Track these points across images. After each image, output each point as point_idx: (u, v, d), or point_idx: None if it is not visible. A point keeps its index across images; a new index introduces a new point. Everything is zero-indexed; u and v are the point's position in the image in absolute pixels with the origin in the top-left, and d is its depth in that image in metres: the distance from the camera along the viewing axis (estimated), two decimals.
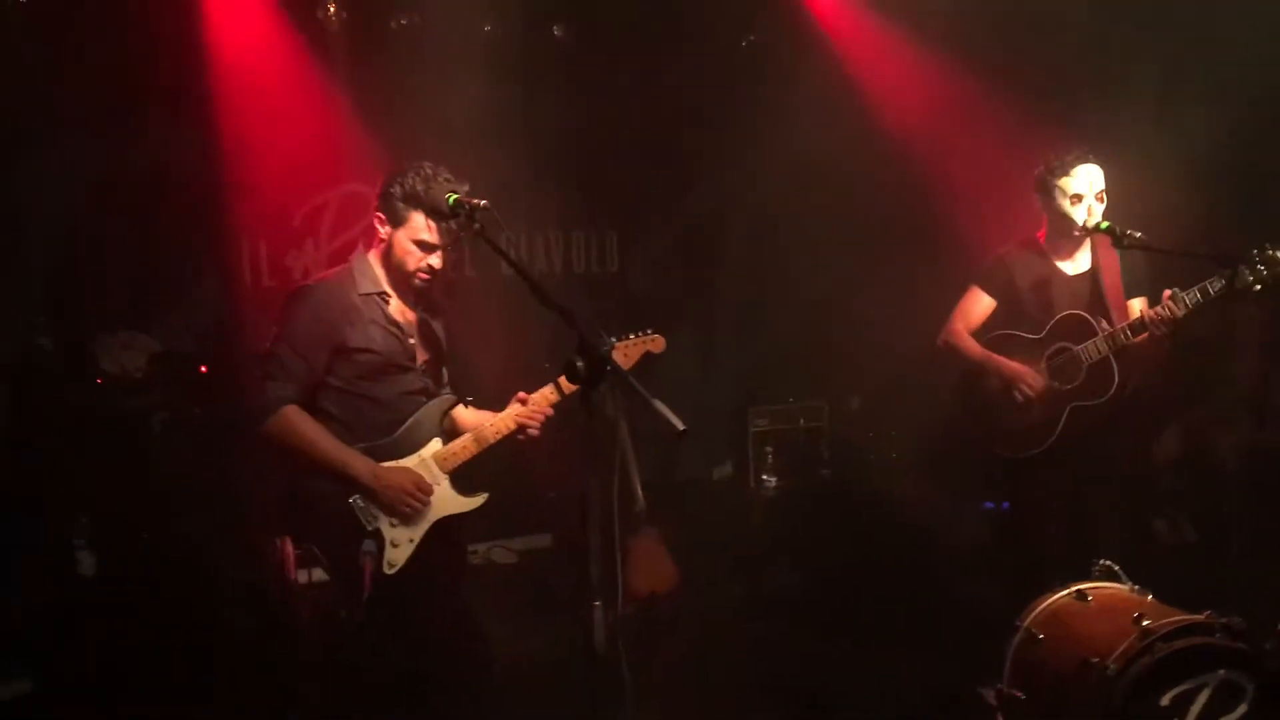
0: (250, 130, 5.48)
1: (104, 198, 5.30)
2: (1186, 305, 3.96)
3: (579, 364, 2.54)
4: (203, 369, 5.31)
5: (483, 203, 3.19)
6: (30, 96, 5.13)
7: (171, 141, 5.43)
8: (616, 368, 2.56)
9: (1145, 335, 4.05)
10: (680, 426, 2.43)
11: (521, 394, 3.66)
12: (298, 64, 5.65)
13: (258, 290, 5.89)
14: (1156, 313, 4.00)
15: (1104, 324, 4.19)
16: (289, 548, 4.88)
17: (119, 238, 5.36)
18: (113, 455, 4.90)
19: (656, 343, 3.80)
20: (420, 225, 3.44)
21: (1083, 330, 4.22)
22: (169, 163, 5.44)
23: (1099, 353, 4.17)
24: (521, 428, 3.62)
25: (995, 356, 4.34)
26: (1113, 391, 4.18)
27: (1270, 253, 3.86)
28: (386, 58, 5.95)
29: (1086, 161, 4.17)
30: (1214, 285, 3.91)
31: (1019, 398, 4.24)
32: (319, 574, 3.84)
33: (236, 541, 4.89)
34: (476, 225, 3.13)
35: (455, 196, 3.21)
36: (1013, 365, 4.29)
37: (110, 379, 5.02)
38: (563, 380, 3.50)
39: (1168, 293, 4.03)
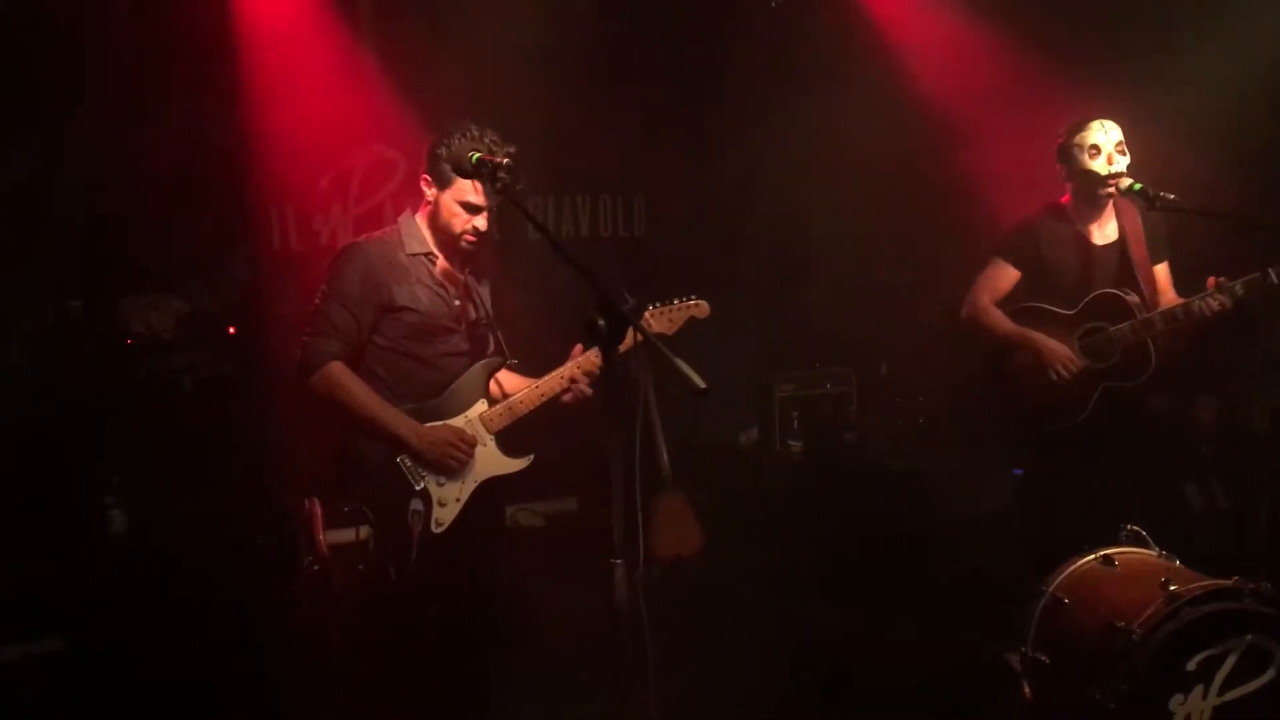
0: (277, 94, 5.47)
1: (133, 163, 5.32)
2: (1236, 294, 3.92)
3: (600, 322, 2.53)
4: (231, 330, 5.35)
5: (505, 160, 3.19)
6: (61, 63, 5.15)
7: (199, 106, 5.43)
8: (638, 326, 2.55)
9: (1183, 324, 4.01)
10: (701, 385, 2.42)
11: (580, 345, 3.67)
12: (322, 25, 5.61)
13: (285, 254, 5.90)
14: (1204, 305, 3.96)
15: (1139, 304, 4.13)
16: (318, 508, 4.92)
17: (148, 202, 5.37)
18: (143, 415, 4.95)
19: (701, 308, 3.83)
20: (466, 187, 3.46)
21: (1118, 310, 4.17)
22: (197, 127, 5.44)
23: (1135, 337, 4.11)
24: (568, 389, 3.63)
25: (1030, 332, 4.24)
26: (1149, 374, 4.13)
27: None
28: (411, 19, 5.92)
29: (1101, 117, 4.12)
30: (1266, 278, 3.86)
31: (1055, 377, 4.17)
32: (347, 535, 3.87)
33: (266, 500, 4.93)
34: (499, 184, 3.12)
35: (477, 155, 3.21)
36: (1050, 343, 4.20)
37: (140, 340, 5.06)
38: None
39: (1212, 281, 3.98)
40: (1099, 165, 4.12)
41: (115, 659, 4.43)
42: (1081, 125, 4.16)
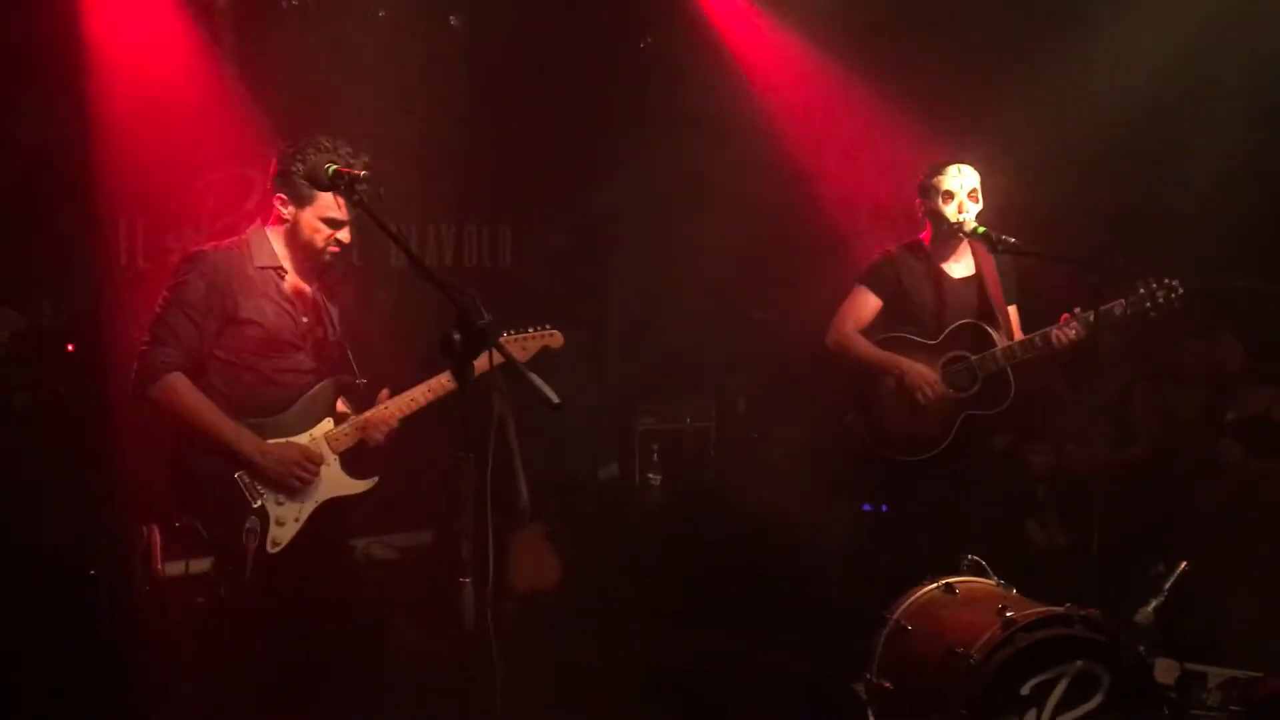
0: (131, 108, 5.27)
1: None
2: (1089, 324, 4.11)
3: (455, 338, 2.51)
4: (70, 347, 5.11)
5: (363, 172, 3.16)
6: None
7: (46, 117, 5.21)
8: (493, 340, 2.53)
9: (1041, 353, 4.21)
10: (555, 400, 2.42)
11: (385, 391, 3.65)
12: (183, 41, 5.46)
13: (132, 272, 5.68)
14: (1062, 334, 4.16)
15: (1001, 336, 4.31)
16: (156, 535, 4.72)
17: None
18: None
19: (554, 338, 3.85)
20: (330, 202, 3.41)
21: (979, 340, 4.34)
22: (42, 139, 5.21)
23: (996, 365, 4.27)
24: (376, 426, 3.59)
25: (896, 357, 4.35)
26: (1009, 402, 4.30)
27: (1169, 282, 4.11)
28: (277, 39, 5.80)
29: (959, 162, 4.31)
30: (1118, 309, 4.13)
31: (920, 399, 4.28)
32: (194, 566, 3.74)
33: (100, 527, 4.71)
34: (356, 196, 3.09)
35: (334, 166, 3.17)
36: (915, 367, 4.32)
37: None
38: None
39: (1065, 316, 4.20)
40: (949, 211, 4.29)
41: None
42: (939, 168, 4.33)
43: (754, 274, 6.54)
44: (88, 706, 4.10)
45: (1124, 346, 5.78)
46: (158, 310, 3.41)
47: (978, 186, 4.31)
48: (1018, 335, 4.44)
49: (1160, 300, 4.13)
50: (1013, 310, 4.50)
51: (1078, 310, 4.19)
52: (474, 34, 6.31)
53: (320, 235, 3.47)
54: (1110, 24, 5.48)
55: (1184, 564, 3.74)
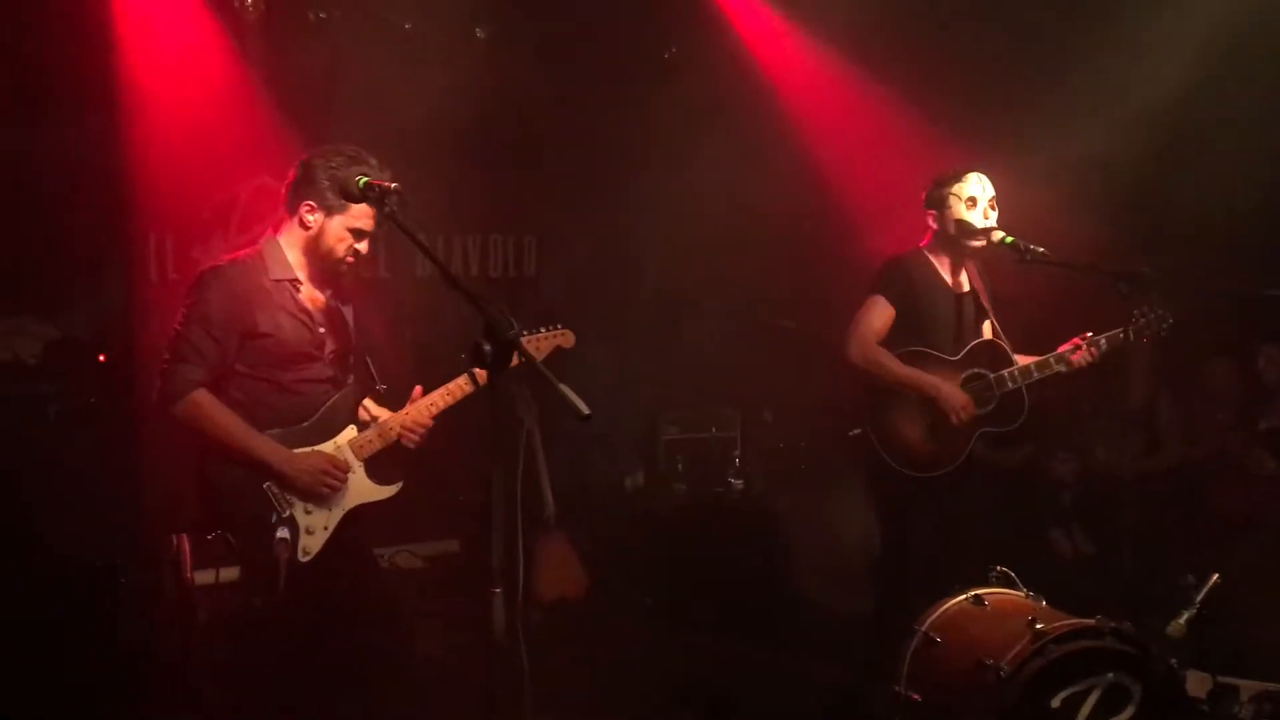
0: (160, 119, 5.34)
1: (4, 183, 5.13)
2: (1101, 348, 4.19)
3: (486, 348, 2.51)
4: (101, 358, 5.16)
5: (394, 185, 3.17)
6: None
7: (77, 129, 5.27)
8: (524, 351, 2.54)
9: (1058, 372, 4.24)
10: (585, 410, 2.42)
11: (419, 388, 3.65)
12: (211, 53, 5.53)
13: (162, 283, 5.74)
14: (1080, 357, 4.21)
15: (1018, 357, 4.32)
16: (186, 545, 4.76)
17: (18, 224, 5.18)
18: (2, 443, 4.72)
19: (566, 337, 3.84)
20: (362, 212, 3.41)
21: (995, 358, 4.32)
22: (74, 151, 5.28)
23: (1014, 384, 4.27)
24: (411, 430, 3.60)
25: (932, 379, 4.24)
26: (1023, 419, 4.30)
27: (1161, 312, 4.16)
28: (304, 51, 5.86)
29: (977, 170, 4.28)
30: (1128, 332, 4.09)
31: (955, 422, 4.21)
32: (224, 575, 3.76)
33: (132, 537, 4.75)
34: (387, 209, 3.10)
35: (365, 179, 3.18)
36: (953, 391, 4.23)
37: (2, 365, 4.85)
38: (479, 371, 3.48)
39: (1077, 340, 4.24)
40: (974, 217, 4.23)
41: None
42: (959, 176, 4.27)
43: (780, 283, 6.55)
44: (113, 711, 4.12)
45: (1150, 356, 5.74)
46: (178, 328, 3.41)
47: (994, 193, 4.29)
48: None
49: (1154, 329, 4.16)
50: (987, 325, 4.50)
51: (1090, 334, 4.22)
52: (499, 45, 6.34)
53: (343, 245, 3.46)
54: (1137, 27, 5.45)
55: (1215, 576, 3.70)
